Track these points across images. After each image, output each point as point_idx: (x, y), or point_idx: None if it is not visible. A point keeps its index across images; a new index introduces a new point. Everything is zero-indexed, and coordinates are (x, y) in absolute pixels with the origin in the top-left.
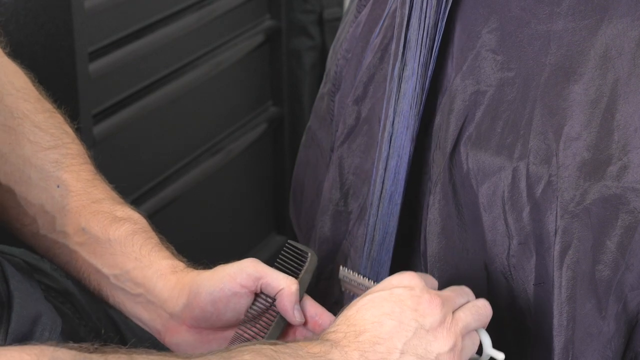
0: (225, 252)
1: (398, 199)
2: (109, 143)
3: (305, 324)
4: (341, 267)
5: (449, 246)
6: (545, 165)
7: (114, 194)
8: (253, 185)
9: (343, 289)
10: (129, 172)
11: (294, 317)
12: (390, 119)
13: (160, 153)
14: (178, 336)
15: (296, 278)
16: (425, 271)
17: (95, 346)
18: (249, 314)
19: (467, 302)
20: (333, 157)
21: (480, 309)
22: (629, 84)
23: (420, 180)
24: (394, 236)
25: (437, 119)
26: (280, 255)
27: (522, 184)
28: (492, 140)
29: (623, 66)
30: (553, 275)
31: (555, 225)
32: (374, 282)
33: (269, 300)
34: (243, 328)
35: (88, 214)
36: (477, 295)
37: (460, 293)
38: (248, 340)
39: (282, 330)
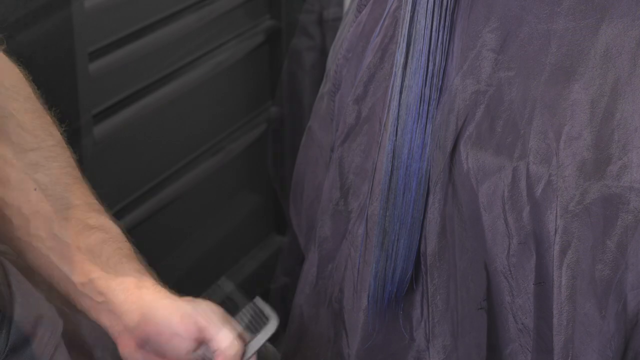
0: (225, 252)
1: (414, 191)
2: (109, 143)
3: None
4: (223, 278)
5: (448, 245)
6: (546, 165)
7: (92, 201)
8: (253, 185)
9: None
10: (129, 172)
11: None
12: (395, 112)
13: (160, 153)
14: (127, 350)
15: (246, 340)
16: (425, 271)
17: None
18: None
19: None
20: (333, 157)
21: None
22: (629, 83)
23: None
24: (415, 228)
25: (437, 119)
26: (244, 309)
27: (522, 184)
28: (492, 140)
29: (623, 65)
30: (553, 275)
31: (555, 224)
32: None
33: (209, 355)
34: None
35: (61, 220)
36: (476, 294)
37: None
38: None
39: None
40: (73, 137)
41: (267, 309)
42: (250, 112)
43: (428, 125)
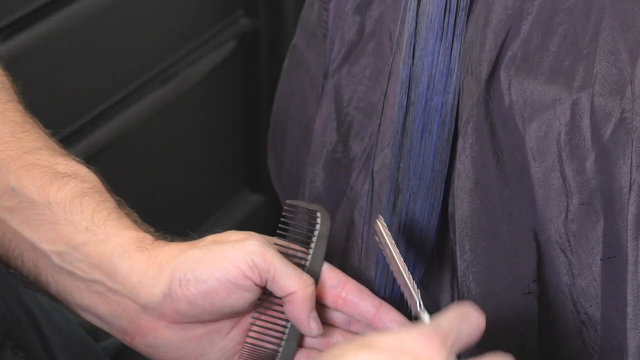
0: (184, 215)
1: (436, 133)
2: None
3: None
4: (380, 219)
5: (485, 207)
6: (617, 97)
7: (53, 142)
8: (218, 125)
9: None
10: (50, 106)
11: (310, 328)
12: (412, 24)
13: (90, 81)
14: (155, 335)
15: (307, 253)
16: (454, 240)
17: None
18: (256, 314)
19: None
20: (327, 86)
21: None
22: None
23: None
24: (437, 183)
25: (469, 34)
26: (280, 223)
27: (585, 123)
28: (544, 63)
29: None
30: (627, 247)
31: (630, 178)
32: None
33: (276, 299)
34: (251, 339)
35: (19, 169)
36: (523, 273)
37: None
38: (260, 357)
39: (298, 338)
40: None
41: (306, 205)
42: (214, 24)
43: (455, 43)
